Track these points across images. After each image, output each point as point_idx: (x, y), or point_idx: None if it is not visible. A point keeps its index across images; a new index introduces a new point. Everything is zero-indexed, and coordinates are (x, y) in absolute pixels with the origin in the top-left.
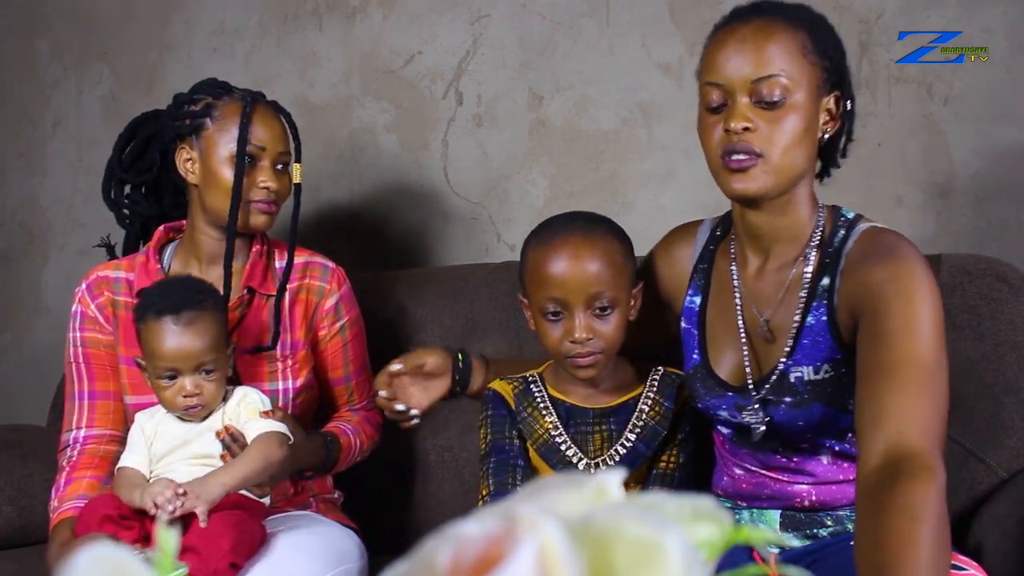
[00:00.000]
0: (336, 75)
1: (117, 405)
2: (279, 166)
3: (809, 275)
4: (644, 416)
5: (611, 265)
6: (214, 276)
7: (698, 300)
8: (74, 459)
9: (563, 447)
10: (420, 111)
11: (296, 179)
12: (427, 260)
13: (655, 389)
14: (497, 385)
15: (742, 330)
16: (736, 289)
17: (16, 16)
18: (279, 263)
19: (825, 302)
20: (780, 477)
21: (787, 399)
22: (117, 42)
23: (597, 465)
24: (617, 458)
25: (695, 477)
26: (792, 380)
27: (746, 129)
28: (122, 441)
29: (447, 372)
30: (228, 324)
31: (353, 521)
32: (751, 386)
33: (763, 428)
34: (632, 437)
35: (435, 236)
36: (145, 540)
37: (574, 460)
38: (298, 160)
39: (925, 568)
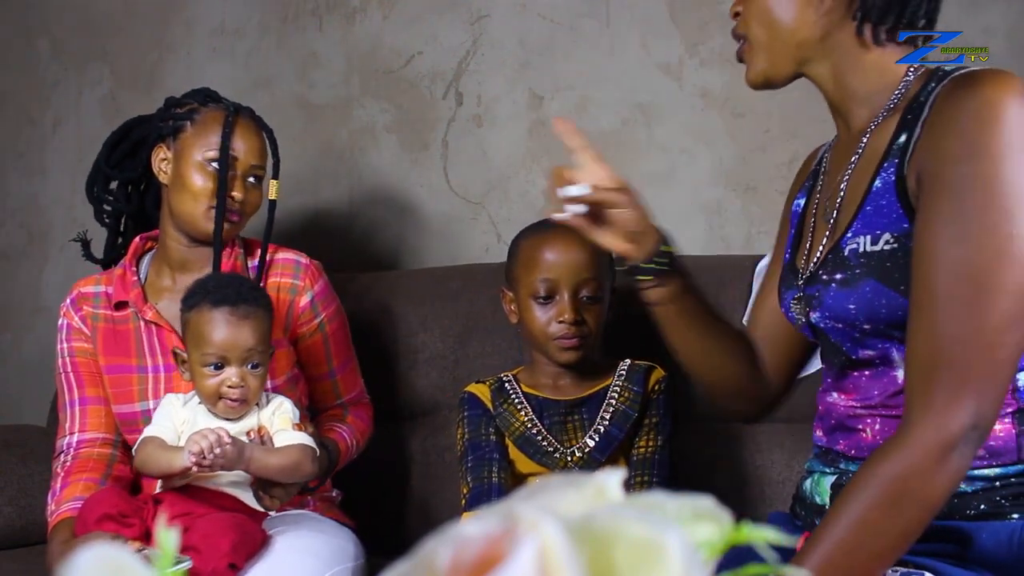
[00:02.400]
0: (336, 75)
1: (108, 410)
2: (251, 179)
3: (886, 138)
4: (614, 402)
5: (599, 260)
6: (187, 285)
7: (802, 201)
8: (68, 464)
9: (539, 438)
10: (420, 111)
11: (272, 195)
12: (427, 260)
13: (623, 377)
14: (472, 388)
15: (814, 211)
16: (823, 174)
17: (16, 16)
18: (252, 262)
19: (896, 160)
20: (851, 403)
21: (837, 276)
22: (117, 42)
23: (573, 453)
24: (591, 444)
25: (673, 463)
26: (846, 254)
27: (736, 15)
28: (115, 444)
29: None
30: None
31: (351, 520)
32: (802, 268)
33: (803, 320)
34: (604, 423)
35: (435, 236)
36: (146, 538)
37: (550, 450)
38: (275, 176)
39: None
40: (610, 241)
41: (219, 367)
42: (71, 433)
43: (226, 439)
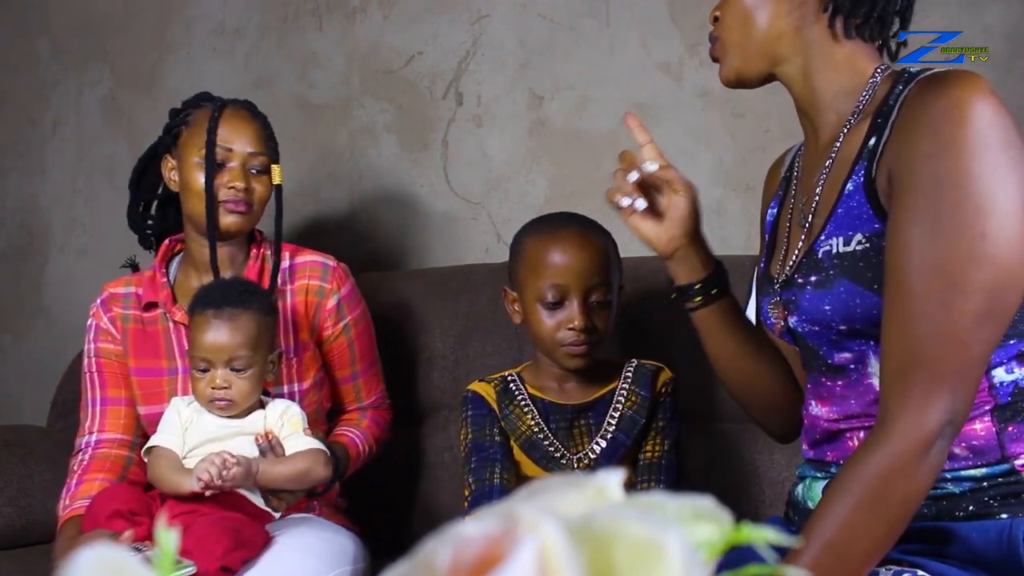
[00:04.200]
0: (336, 75)
1: (128, 411)
2: (253, 168)
3: (857, 142)
4: (621, 407)
5: (608, 261)
6: None
7: (775, 210)
8: (85, 463)
9: (545, 443)
10: (420, 111)
11: (276, 180)
12: (427, 260)
13: (630, 380)
14: (476, 387)
15: (789, 218)
16: (796, 180)
17: (16, 16)
18: (282, 263)
19: (866, 163)
20: (832, 415)
21: (812, 278)
22: (117, 42)
23: (580, 460)
24: (598, 450)
25: (680, 466)
26: (820, 256)
27: (716, 19)
28: (132, 446)
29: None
30: (276, 329)
31: (355, 523)
32: (777, 274)
33: (782, 324)
34: (611, 429)
35: (435, 236)
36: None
37: (556, 455)
38: (276, 161)
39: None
40: (657, 234)
41: (206, 370)
42: (90, 432)
43: (231, 460)
